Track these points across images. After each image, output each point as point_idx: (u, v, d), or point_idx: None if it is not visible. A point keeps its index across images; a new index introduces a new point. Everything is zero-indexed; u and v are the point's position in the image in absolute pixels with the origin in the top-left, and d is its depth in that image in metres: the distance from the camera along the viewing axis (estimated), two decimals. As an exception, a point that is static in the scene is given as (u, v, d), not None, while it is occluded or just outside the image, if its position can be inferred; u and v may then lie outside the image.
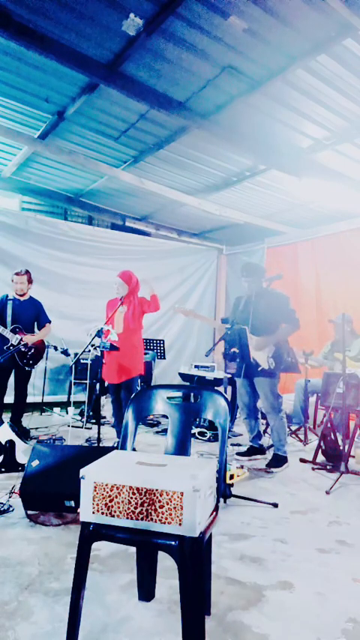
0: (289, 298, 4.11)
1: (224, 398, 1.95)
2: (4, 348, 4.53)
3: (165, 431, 2.17)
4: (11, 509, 2.81)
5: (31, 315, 4.85)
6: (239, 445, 4.64)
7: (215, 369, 5.43)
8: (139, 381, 4.30)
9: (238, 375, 4.14)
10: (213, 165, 5.21)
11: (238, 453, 4.25)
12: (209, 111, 4.00)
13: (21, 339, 4.59)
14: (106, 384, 5.54)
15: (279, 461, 3.94)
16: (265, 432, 4.73)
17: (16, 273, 4.75)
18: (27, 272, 4.79)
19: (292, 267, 6.78)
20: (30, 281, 4.82)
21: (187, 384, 5.28)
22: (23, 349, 4.62)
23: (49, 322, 4.97)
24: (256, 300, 4.05)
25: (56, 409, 6.14)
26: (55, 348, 5.24)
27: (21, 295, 4.78)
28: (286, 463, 3.97)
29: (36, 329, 4.88)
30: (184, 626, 1.45)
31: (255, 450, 4.25)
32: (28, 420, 5.26)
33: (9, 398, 4.88)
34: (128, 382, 4.13)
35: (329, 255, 6.43)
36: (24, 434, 4.86)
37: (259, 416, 4.35)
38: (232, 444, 4.64)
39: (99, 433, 3.85)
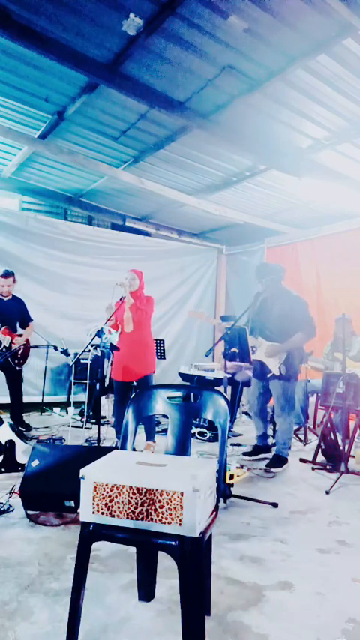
0: (306, 304, 4.01)
1: (224, 398, 1.95)
2: None
3: (165, 431, 2.17)
4: (11, 509, 2.81)
5: (17, 313, 4.92)
6: (239, 445, 4.64)
7: (216, 369, 5.43)
8: (152, 378, 4.26)
9: (254, 376, 4.15)
10: (213, 165, 5.21)
11: (244, 453, 4.24)
12: (209, 111, 4.00)
13: (12, 341, 4.65)
14: (106, 383, 5.54)
15: (279, 461, 3.93)
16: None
17: (3, 276, 4.78)
18: (13, 274, 4.84)
19: (293, 267, 6.76)
20: (15, 281, 4.87)
21: (187, 384, 5.28)
22: (18, 351, 4.68)
23: (32, 321, 5.06)
24: (272, 302, 4.01)
25: (56, 409, 6.14)
26: (55, 348, 5.25)
27: (5, 295, 4.83)
28: (286, 463, 3.97)
29: (19, 328, 4.95)
30: (184, 626, 1.45)
31: (260, 449, 4.23)
32: (28, 421, 5.27)
33: (5, 399, 4.92)
34: (142, 380, 4.12)
35: (330, 255, 6.42)
36: (27, 428, 4.90)
37: (268, 417, 4.33)
38: (232, 444, 4.64)
39: (99, 433, 3.85)
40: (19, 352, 4.76)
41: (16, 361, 4.75)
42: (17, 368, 4.81)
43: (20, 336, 4.83)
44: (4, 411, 5.23)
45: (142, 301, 4.17)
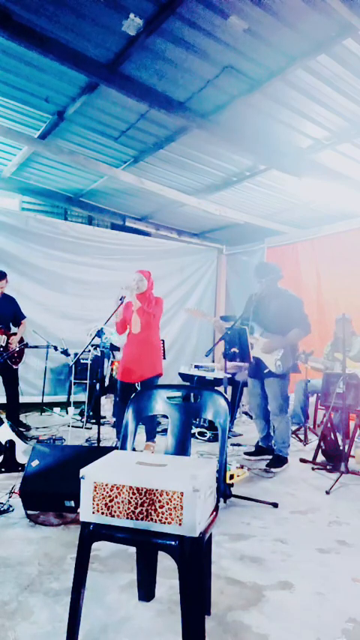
0: (302, 302, 4.06)
1: (224, 398, 1.95)
2: None
3: (165, 431, 2.17)
4: (11, 509, 2.81)
5: (9, 311, 4.92)
6: (239, 445, 4.64)
7: (215, 369, 5.43)
8: (157, 381, 4.20)
9: (250, 376, 4.15)
10: (213, 165, 5.21)
11: (246, 453, 4.24)
12: (209, 111, 4.00)
13: (8, 340, 4.66)
14: (106, 383, 5.53)
15: (279, 461, 3.93)
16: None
17: None
18: (5, 275, 4.83)
19: (293, 267, 6.77)
20: (7, 282, 4.88)
21: (187, 384, 5.28)
22: (16, 350, 4.70)
23: (25, 318, 5.06)
24: (269, 301, 4.03)
25: (56, 409, 6.14)
26: (55, 348, 5.25)
27: None
28: (286, 463, 3.97)
29: (12, 326, 4.96)
30: (184, 626, 1.45)
31: (263, 450, 4.22)
32: (27, 420, 5.27)
33: (2, 398, 4.93)
34: (147, 382, 4.09)
35: (330, 255, 6.42)
36: (26, 428, 4.90)
37: (270, 417, 4.33)
38: (232, 444, 4.64)
39: (99, 433, 3.84)
40: (16, 351, 4.78)
41: (13, 359, 4.77)
42: (14, 367, 4.82)
43: (15, 334, 4.84)
44: (2, 410, 5.23)
45: (150, 304, 4.10)
